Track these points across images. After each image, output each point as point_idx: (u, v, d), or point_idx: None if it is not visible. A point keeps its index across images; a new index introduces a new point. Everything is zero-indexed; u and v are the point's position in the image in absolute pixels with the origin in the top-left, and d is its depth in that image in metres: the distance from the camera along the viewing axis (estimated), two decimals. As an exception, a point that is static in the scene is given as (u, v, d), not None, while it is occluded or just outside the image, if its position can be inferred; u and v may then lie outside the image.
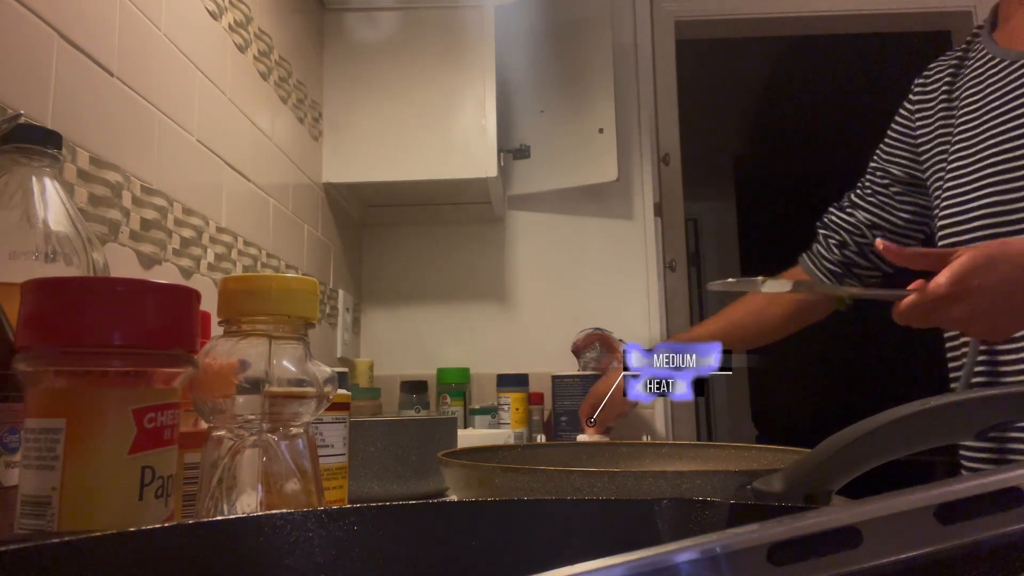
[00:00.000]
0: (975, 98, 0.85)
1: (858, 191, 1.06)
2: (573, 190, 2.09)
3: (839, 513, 0.21)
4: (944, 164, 0.86)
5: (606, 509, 0.34)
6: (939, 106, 0.89)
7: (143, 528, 0.27)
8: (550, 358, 1.90)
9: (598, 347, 1.84)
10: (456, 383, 1.78)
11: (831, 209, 1.09)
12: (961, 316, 0.66)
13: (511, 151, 2.08)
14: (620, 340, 1.85)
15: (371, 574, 0.30)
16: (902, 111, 0.99)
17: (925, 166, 0.91)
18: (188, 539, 0.28)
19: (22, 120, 0.56)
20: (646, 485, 0.47)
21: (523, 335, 2.04)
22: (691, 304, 2.36)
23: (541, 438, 1.72)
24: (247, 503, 0.42)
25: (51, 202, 0.53)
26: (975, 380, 0.77)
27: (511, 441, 1.34)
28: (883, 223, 1.02)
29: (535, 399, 1.78)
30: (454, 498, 0.58)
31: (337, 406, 0.69)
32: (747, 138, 4.05)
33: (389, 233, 2.15)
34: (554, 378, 1.72)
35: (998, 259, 0.65)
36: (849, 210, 1.07)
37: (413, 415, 1.55)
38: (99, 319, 0.36)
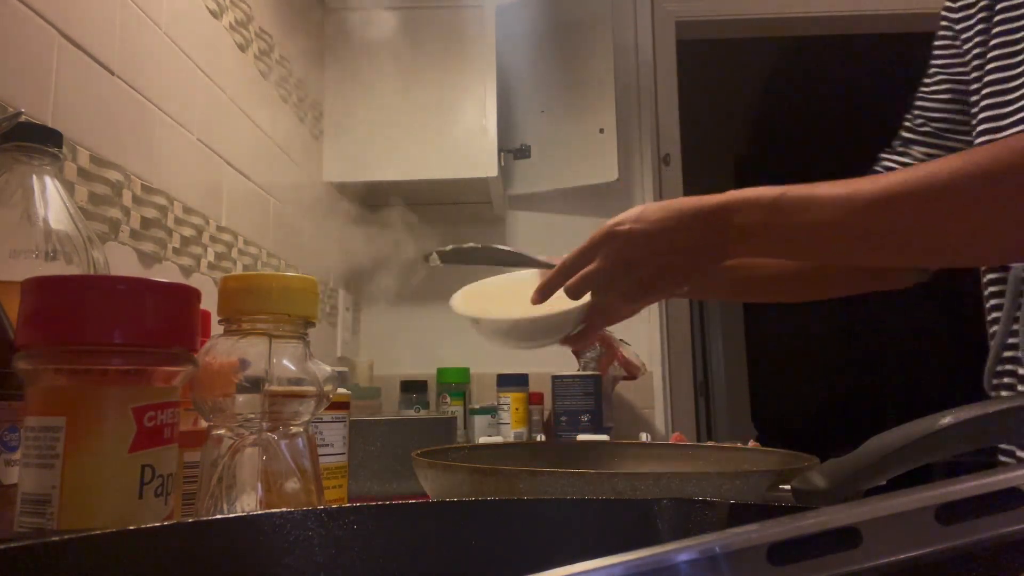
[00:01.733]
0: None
1: (907, 124, 0.88)
2: (573, 190, 2.09)
3: (839, 513, 0.21)
4: (983, 62, 0.72)
5: (606, 509, 0.34)
6: (979, 14, 0.74)
7: (143, 527, 0.27)
8: (550, 358, 1.89)
9: (598, 347, 1.84)
10: (456, 383, 1.78)
11: (882, 155, 0.91)
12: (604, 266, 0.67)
13: (511, 151, 2.08)
14: (620, 340, 1.85)
15: (371, 573, 0.30)
16: (943, 16, 0.82)
17: (969, 68, 0.76)
18: (188, 538, 0.28)
19: (23, 118, 0.56)
20: (689, 487, 0.47)
21: (523, 335, 2.04)
22: (691, 304, 2.36)
23: (541, 438, 1.72)
24: (247, 502, 0.42)
25: (51, 201, 0.53)
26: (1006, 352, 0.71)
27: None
28: (947, 152, 0.82)
29: (535, 399, 1.78)
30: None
31: (337, 405, 0.69)
32: (747, 138, 4.05)
33: (389, 233, 2.15)
34: (554, 378, 1.72)
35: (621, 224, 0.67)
36: (901, 149, 0.88)
37: (413, 415, 1.55)
38: (99, 317, 0.36)
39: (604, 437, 1.52)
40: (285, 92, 1.54)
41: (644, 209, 0.68)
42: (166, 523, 0.29)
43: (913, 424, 0.38)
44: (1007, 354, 0.69)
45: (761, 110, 3.79)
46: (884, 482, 0.40)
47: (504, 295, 0.84)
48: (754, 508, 0.31)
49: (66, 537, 0.25)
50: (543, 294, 0.74)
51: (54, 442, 0.35)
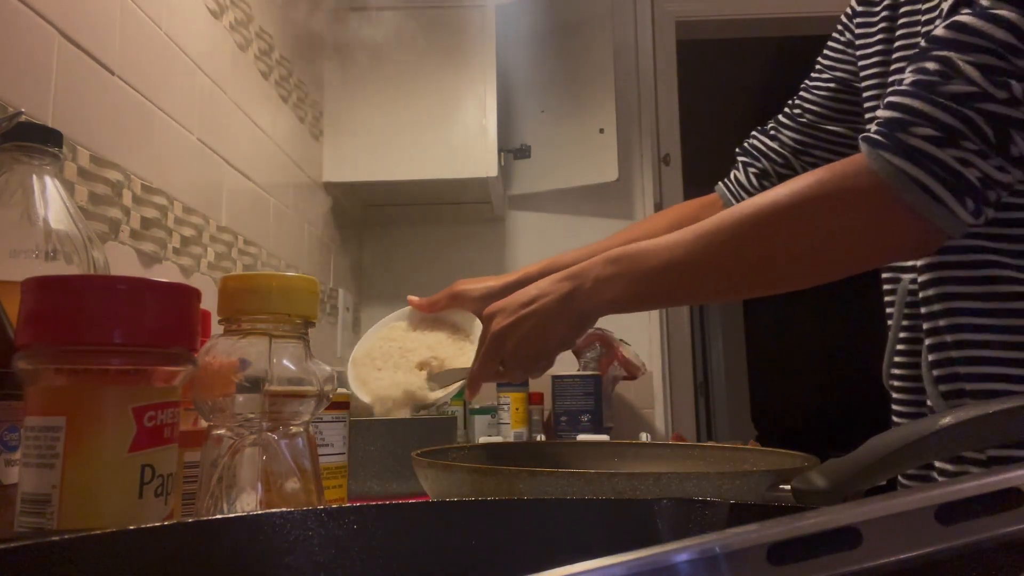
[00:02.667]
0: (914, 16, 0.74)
1: (786, 110, 0.92)
2: (573, 190, 2.09)
3: (839, 513, 0.21)
4: (880, 92, 0.76)
5: (606, 509, 0.34)
6: (882, 12, 0.78)
7: (143, 526, 0.27)
8: (550, 358, 1.89)
9: (598, 347, 1.84)
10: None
11: (754, 132, 0.96)
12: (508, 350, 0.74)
13: (511, 151, 2.08)
14: (620, 340, 1.85)
15: (370, 573, 0.30)
16: (845, 12, 0.86)
17: (864, 84, 0.79)
18: (188, 537, 0.28)
19: (23, 118, 0.56)
20: (689, 487, 0.47)
21: (523, 335, 2.04)
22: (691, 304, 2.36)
23: (541, 438, 1.72)
24: (247, 502, 0.42)
25: (51, 200, 0.53)
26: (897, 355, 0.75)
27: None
28: (813, 147, 0.89)
29: (535, 399, 1.78)
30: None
31: (337, 405, 0.69)
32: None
33: (389, 233, 2.16)
34: (554, 378, 1.72)
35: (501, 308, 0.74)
36: (773, 132, 0.92)
37: (413, 415, 1.54)
38: (99, 317, 0.36)
39: (604, 437, 1.52)
40: (285, 92, 1.54)
41: (510, 298, 0.76)
42: (166, 523, 0.29)
43: (913, 424, 0.38)
44: (897, 360, 0.74)
45: (761, 110, 3.78)
46: (884, 482, 0.40)
47: (387, 358, 0.92)
48: (754, 508, 0.31)
49: (66, 537, 0.25)
50: (473, 392, 0.82)
51: (54, 442, 0.35)
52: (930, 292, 0.66)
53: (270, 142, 1.45)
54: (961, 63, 0.55)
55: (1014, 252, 0.63)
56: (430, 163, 1.76)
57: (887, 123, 0.57)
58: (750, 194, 0.92)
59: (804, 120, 0.89)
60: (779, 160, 0.91)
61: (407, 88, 1.79)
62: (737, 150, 0.96)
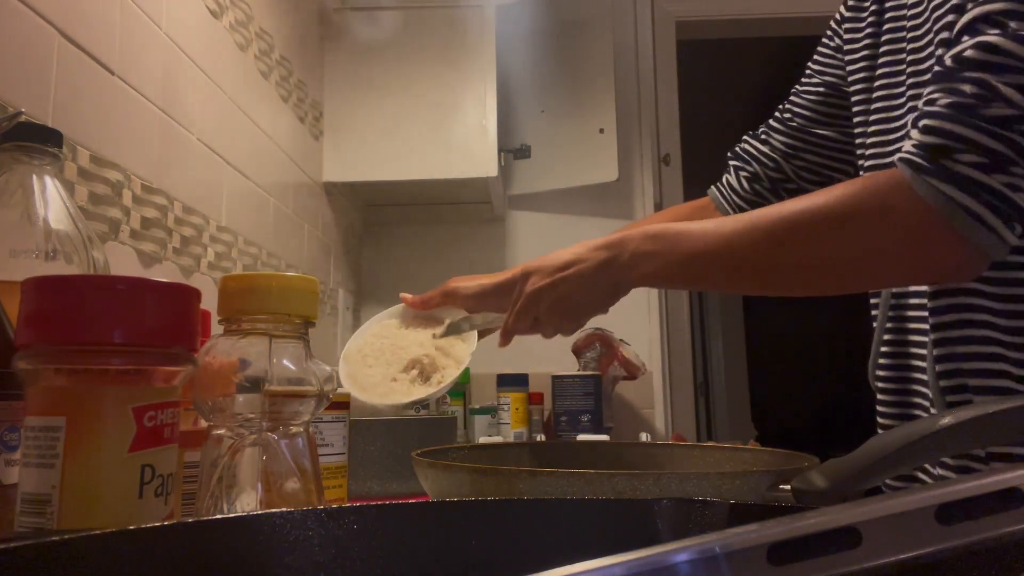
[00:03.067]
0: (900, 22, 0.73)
1: (776, 115, 0.92)
2: (573, 190, 2.09)
3: (838, 513, 0.21)
4: (868, 96, 0.77)
5: (606, 509, 0.34)
6: (869, 18, 0.78)
7: (143, 526, 0.27)
8: (550, 358, 1.89)
9: (598, 347, 1.84)
10: (456, 383, 1.78)
11: (745, 137, 0.95)
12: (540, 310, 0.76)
13: (511, 151, 2.08)
14: (620, 340, 1.85)
15: (370, 573, 0.30)
16: (834, 17, 0.86)
17: (852, 88, 0.80)
18: (188, 537, 0.28)
19: (23, 118, 0.56)
20: (689, 487, 0.47)
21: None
22: (691, 304, 2.36)
23: (541, 438, 1.72)
24: (247, 502, 0.42)
25: (51, 200, 0.53)
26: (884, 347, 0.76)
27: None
28: (804, 151, 0.89)
29: (535, 399, 1.78)
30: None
31: (337, 405, 0.69)
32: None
33: (389, 233, 2.16)
34: (554, 378, 1.72)
35: (531, 271, 0.77)
36: (764, 136, 0.92)
37: (413, 415, 1.54)
38: (99, 317, 0.36)
39: (604, 437, 1.52)
40: (285, 92, 1.54)
41: (546, 259, 0.78)
42: (166, 523, 0.29)
43: (913, 424, 0.38)
44: (882, 361, 0.75)
45: (761, 110, 3.78)
46: (884, 482, 0.40)
47: (381, 355, 0.90)
48: (754, 508, 0.31)
49: (66, 537, 0.25)
50: (505, 341, 0.85)
51: (54, 442, 0.35)
52: (941, 299, 0.66)
53: (270, 142, 1.45)
54: (1000, 85, 0.54)
55: None
56: (430, 163, 1.76)
57: (928, 148, 0.57)
58: (742, 198, 0.93)
59: (794, 124, 0.89)
60: (770, 164, 0.91)
61: (407, 88, 1.79)
62: (729, 154, 0.97)
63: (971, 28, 0.57)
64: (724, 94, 3.50)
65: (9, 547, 0.23)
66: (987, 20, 0.57)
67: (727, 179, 0.95)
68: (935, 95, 0.58)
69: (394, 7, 1.82)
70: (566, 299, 0.74)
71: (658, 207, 2.15)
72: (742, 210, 0.93)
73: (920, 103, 0.60)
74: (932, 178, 0.56)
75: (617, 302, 0.76)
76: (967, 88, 0.56)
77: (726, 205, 0.94)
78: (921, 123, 0.58)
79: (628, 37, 2.24)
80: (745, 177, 0.93)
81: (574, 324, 0.77)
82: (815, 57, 0.90)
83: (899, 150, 0.68)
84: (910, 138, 0.59)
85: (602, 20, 2.10)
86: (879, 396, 0.75)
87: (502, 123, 1.87)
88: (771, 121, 0.93)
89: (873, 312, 0.77)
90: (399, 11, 1.82)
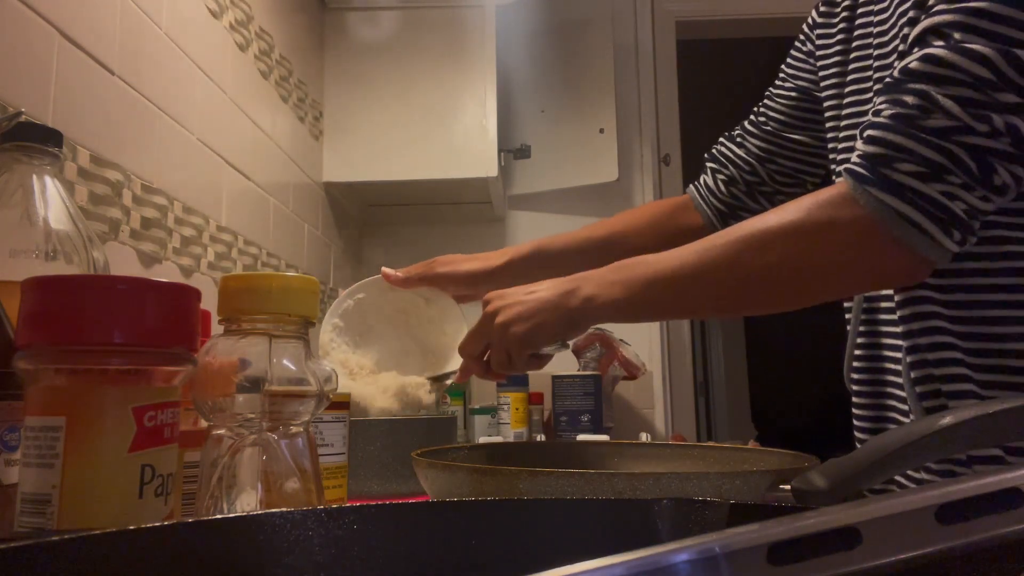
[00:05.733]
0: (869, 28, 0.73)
1: (752, 118, 0.93)
2: (573, 190, 2.09)
3: (838, 513, 0.21)
4: (839, 102, 0.77)
5: (606, 509, 0.34)
6: (840, 24, 0.78)
7: (143, 526, 0.27)
8: (550, 358, 1.89)
9: (598, 347, 1.84)
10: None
11: (721, 139, 0.95)
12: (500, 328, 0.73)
13: (512, 151, 2.08)
14: (620, 340, 1.85)
15: (371, 573, 0.30)
16: (807, 22, 0.87)
17: (824, 94, 0.80)
18: (188, 537, 0.28)
19: (23, 118, 0.56)
20: (689, 487, 0.47)
21: (523, 335, 2.04)
22: (691, 304, 2.36)
23: (541, 438, 1.72)
24: (247, 502, 0.42)
25: (51, 200, 0.53)
26: (857, 352, 0.76)
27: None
28: (778, 155, 0.89)
29: (535, 399, 1.78)
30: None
31: (337, 405, 0.69)
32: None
33: (389, 233, 2.16)
34: (554, 378, 1.72)
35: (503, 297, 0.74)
36: (740, 140, 0.93)
37: (413, 415, 1.54)
38: (99, 317, 0.36)
39: (604, 437, 1.52)
40: (285, 92, 1.54)
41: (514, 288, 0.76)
42: (166, 523, 0.29)
43: (913, 424, 0.38)
44: (856, 364, 0.76)
45: (761, 110, 3.78)
46: (883, 482, 0.40)
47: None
48: (754, 508, 0.31)
49: (66, 537, 0.25)
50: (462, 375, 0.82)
51: (54, 442, 0.35)
52: (906, 308, 0.67)
53: (270, 142, 1.45)
54: (940, 97, 0.55)
55: (994, 271, 0.63)
56: (430, 163, 1.76)
57: (870, 157, 0.58)
58: (719, 199, 0.94)
59: (768, 128, 0.90)
60: (746, 168, 0.92)
61: (407, 88, 1.79)
62: (706, 156, 0.97)
63: (921, 40, 0.59)
64: (724, 94, 3.50)
65: (9, 547, 0.23)
66: (935, 32, 0.58)
67: (704, 180, 0.96)
68: (881, 106, 0.59)
69: (394, 7, 1.82)
70: (521, 320, 0.72)
71: (658, 207, 2.15)
72: (719, 211, 0.94)
73: (870, 113, 0.61)
74: (872, 187, 0.57)
75: (577, 335, 0.76)
76: (909, 99, 0.57)
77: (704, 205, 0.95)
78: (866, 133, 0.59)
79: (628, 37, 2.24)
80: (722, 180, 0.94)
81: (525, 349, 0.74)
82: (788, 61, 0.90)
83: None
84: (855, 149, 0.60)
85: (602, 20, 2.10)
86: (855, 399, 0.76)
87: (502, 123, 1.87)
88: (746, 124, 0.94)
89: (847, 316, 0.78)
90: (399, 11, 1.82)
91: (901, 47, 0.62)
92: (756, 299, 0.67)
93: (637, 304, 0.69)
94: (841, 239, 0.60)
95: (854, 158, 0.60)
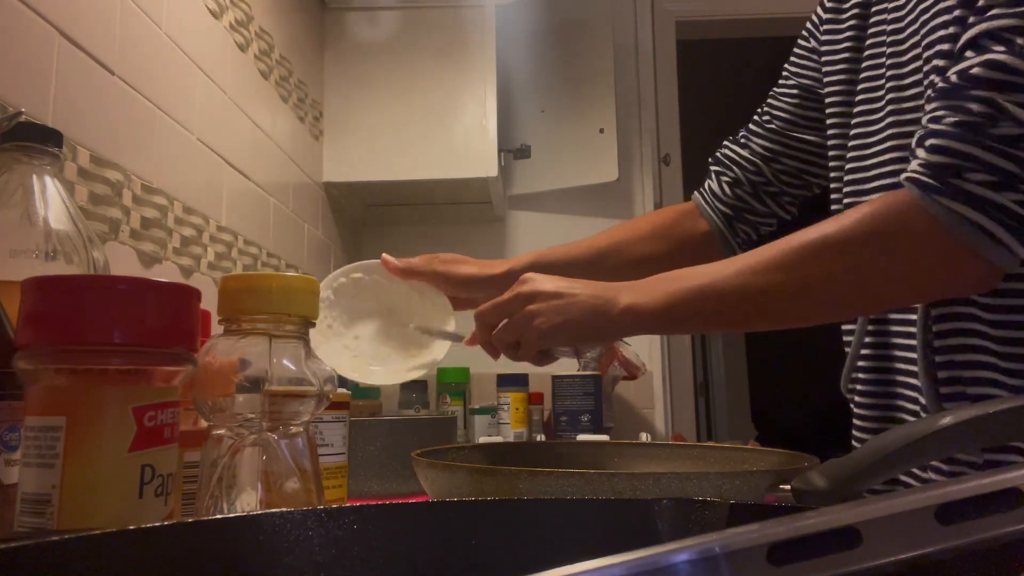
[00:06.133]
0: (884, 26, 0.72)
1: (756, 117, 0.92)
2: (573, 190, 2.09)
3: (839, 513, 0.21)
4: (848, 99, 0.76)
5: (606, 509, 0.34)
6: (850, 21, 0.77)
7: (143, 527, 0.27)
8: (550, 358, 1.89)
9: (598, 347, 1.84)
10: (456, 383, 1.78)
11: (725, 142, 0.95)
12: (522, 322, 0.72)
13: (512, 151, 2.08)
14: (620, 340, 1.85)
15: (371, 573, 0.30)
16: (811, 19, 0.86)
17: (827, 90, 0.79)
18: (188, 537, 0.28)
19: (23, 118, 0.56)
20: (689, 487, 0.47)
21: (523, 335, 2.04)
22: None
23: (541, 438, 1.72)
24: (247, 502, 0.42)
25: (51, 200, 0.53)
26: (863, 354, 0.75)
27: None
28: (783, 154, 0.88)
29: (535, 399, 1.78)
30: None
31: (337, 405, 0.69)
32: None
33: (389, 233, 2.15)
34: (554, 378, 1.72)
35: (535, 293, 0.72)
36: (744, 140, 0.92)
37: (413, 415, 1.55)
38: (99, 317, 0.36)
39: (604, 437, 1.52)
40: (285, 92, 1.54)
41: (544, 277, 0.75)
42: (166, 523, 0.29)
43: (913, 424, 0.38)
44: (863, 377, 0.74)
45: (761, 110, 3.78)
46: (883, 482, 0.40)
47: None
48: (754, 508, 0.31)
49: (66, 537, 0.25)
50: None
51: (54, 442, 0.35)
52: (938, 308, 0.66)
53: (270, 142, 1.45)
54: (1008, 104, 0.55)
55: None
56: (430, 163, 1.76)
57: (936, 167, 0.57)
58: (724, 203, 0.93)
59: (773, 127, 0.89)
60: (750, 168, 0.91)
61: (407, 88, 1.79)
62: (710, 159, 0.96)
63: (976, 44, 0.57)
64: (724, 94, 3.50)
65: (9, 547, 0.23)
66: (992, 36, 0.56)
67: (709, 185, 0.95)
68: (940, 112, 0.58)
69: (394, 7, 1.82)
70: (550, 314, 0.71)
71: (658, 207, 2.14)
72: (724, 215, 0.93)
73: (925, 120, 0.59)
74: (942, 197, 0.56)
75: (602, 345, 0.74)
76: (974, 107, 0.56)
77: (709, 210, 0.94)
78: (928, 142, 0.58)
79: (628, 37, 2.24)
80: (727, 182, 0.93)
81: (541, 343, 0.72)
82: (791, 59, 0.89)
83: (879, 163, 0.68)
84: (916, 157, 0.59)
85: (602, 20, 2.10)
86: (858, 408, 0.75)
87: (502, 123, 1.87)
88: (751, 124, 0.93)
89: (850, 326, 0.77)
90: (399, 11, 1.82)
91: (945, 47, 0.61)
92: (812, 310, 0.65)
93: (681, 315, 0.67)
94: (914, 249, 0.59)
95: (915, 166, 0.58)
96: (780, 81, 0.90)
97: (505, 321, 0.74)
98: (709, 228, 0.93)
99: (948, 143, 0.56)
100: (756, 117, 0.92)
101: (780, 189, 0.91)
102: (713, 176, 0.95)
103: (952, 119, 0.57)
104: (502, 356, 0.78)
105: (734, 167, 0.92)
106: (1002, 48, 0.55)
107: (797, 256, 0.63)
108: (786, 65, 0.90)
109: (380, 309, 0.90)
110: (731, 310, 0.66)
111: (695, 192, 0.97)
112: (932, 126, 0.58)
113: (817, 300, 0.64)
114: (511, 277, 0.85)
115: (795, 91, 0.87)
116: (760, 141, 0.90)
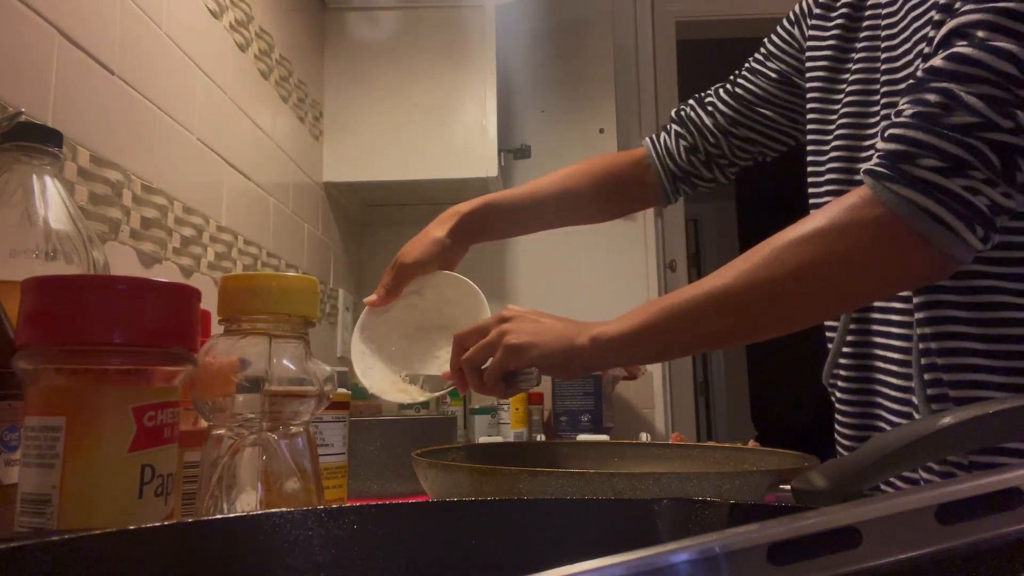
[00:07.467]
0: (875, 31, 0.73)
1: (727, 87, 0.92)
2: (573, 190, 2.09)
3: (839, 513, 0.21)
4: (827, 96, 0.77)
5: (606, 509, 0.34)
6: (838, 20, 0.77)
7: (143, 526, 0.27)
8: (550, 358, 1.89)
9: (598, 347, 1.83)
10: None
11: (691, 101, 0.95)
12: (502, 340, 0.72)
13: (512, 151, 2.08)
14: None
15: (370, 573, 0.30)
16: (801, 7, 0.86)
17: (809, 86, 0.79)
18: (188, 537, 0.28)
19: (23, 118, 0.56)
20: (689, 487, 0.47)
21: (523, 335, 2.04)
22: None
23: (541, 438, 1.72)
24: (247, 502, 0.42)
25: (51, 200, 0.53)
26: (844, 353, 0.76)
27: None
28: (744, 125, 0.90)
29: (535, 399, 1.78)
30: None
31: (337, 405, 0.69)
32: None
33: (389, 233, 2.15)
34: (554, 378, 1.72)
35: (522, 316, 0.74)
36: (710, 106, 0.93)
37: (413, 415, 1.55)
38: (99, 317, 0.36)
39: (604, 437, 1.52)
40: (285, 92, 1.54)
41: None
42: (166, 523, 0.29)
43: (913, 424, 0.38)
44: (843, 372, 0.75)
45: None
46: (883, 482, 0.40)
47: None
48: (754, 508, 0.31)
49: (66, 537, 0.25)
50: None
51: (54, 442, 0.35)
52: (923, 312, 0.66)
53: (270, 142, 1.45)
54: (964, 94, 0.55)
55: (1013, 276, 0.63)
56: (430, 163, 1.76)
57: (890, 155, 0.57)
58: (675, 162, 0.94)
59: (740, 96, 0.91)
60: (710, 139, 0.93)
61: (407, 88, 1.79)
62: (672, 115, 0.97)
63: (945, 42, 0.58)
64: (724, 94, 3.51)
65: (9, 547, 0.23)
66: (958, 33, 0.57)
67: (665, 140, 0.96)
68: (903, 106, 0.59)
69: (394, 7, 1.82)
70: (521, 333, 0.71)
71: (658, 208, 2.14)
72: (672, 174, 0.95)
73: (892, 115, 0.60)
74: (893, 184, 0.57)
75: (570, 376, 0.73)
76: (932, 97, 0.56)
77: (658, 163, 0.96)
78: (887, 132, 0.59)
79: (628, 37, 2.24)
80: (685, 147, 0.94)
81: (509, 360, 0.71)
82: (771, 38, 0.90)
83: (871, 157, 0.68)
84: (876, 149, 0.59)
85: (602, 20, 2.10)
86: (840, 404, 0.76)
87: (502, 123, 1.87)
88: (720, 91, 0.94)
89: (833, 322, 0.77)
90: (399, 11, 1.82)
91: (926, 50, 0.62)
92: (782, 315, 0.64)
93: (652, 334, 0.66)
94: (864, 239, 0.59)
95: (875, 158, 0.59)
96: (758, 56, 0.91)
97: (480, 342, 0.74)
98: (654, 180, 0.96)
99: (904, 132, 0.57)
100: (728, 86, 0.93)
101: (731, 161, 0.93)
102: (672, 133, 0.96)
103: (911, 110, 0.57)
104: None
105: (695, 133, 0.94)
106: (964, 42, 0.56)
107: (762, 260, 0.63)
108: (765, 41, 0.90)
109: (405, 334, 0.92)
110: (702, 324, 0.65)
111: (647, 139, 0.98)
112: (894, 119, 0.59)
113: (788, 298, 0.63)
114: (464, 224, 0.95)
115: (771, 74, 0.89)
116: (725, 110, 0.92)
